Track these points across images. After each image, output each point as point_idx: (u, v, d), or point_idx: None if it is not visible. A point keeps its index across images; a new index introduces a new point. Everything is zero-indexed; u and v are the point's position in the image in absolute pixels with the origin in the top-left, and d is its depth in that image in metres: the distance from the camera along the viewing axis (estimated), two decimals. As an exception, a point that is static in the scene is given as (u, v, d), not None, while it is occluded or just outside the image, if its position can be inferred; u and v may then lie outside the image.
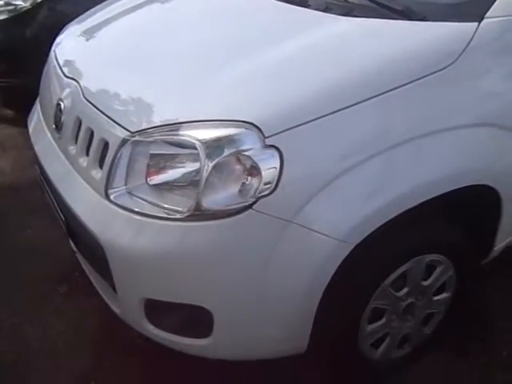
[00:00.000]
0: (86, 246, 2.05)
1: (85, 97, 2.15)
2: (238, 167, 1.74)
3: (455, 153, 1.93)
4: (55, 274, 2.85)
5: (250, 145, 1.73)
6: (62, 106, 2.25)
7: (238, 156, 1.74)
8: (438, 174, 1.90)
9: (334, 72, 1.87)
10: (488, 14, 1.92)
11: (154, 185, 1.83)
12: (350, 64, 1.89)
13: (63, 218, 2.17)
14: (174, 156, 1.83)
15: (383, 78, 1.84)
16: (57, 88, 2.40)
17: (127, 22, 2.65)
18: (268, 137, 1.72)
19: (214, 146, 1.74)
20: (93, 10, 2.92)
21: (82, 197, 2.02)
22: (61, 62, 2.47)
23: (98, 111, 2.05)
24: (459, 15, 1.96)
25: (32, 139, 2.52)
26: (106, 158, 1.92)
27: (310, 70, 1.91)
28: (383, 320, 2.11)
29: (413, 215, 1.89)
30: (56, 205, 2.23)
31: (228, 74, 1.95)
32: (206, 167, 1.73)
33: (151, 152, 1.83)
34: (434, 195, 1.90)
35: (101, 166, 1.96)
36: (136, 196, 1.85)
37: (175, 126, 1.83)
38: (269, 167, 1.72)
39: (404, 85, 1.83)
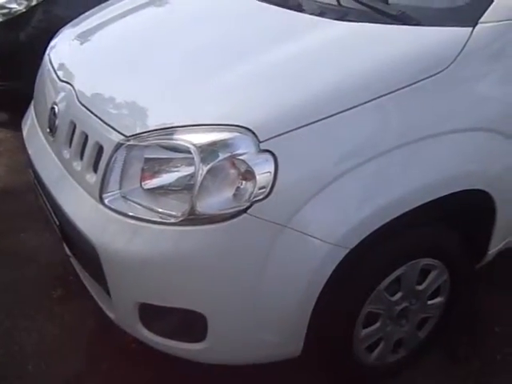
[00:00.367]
0: (81, 250, 2.04)
1: (79, 101, 2.15)
2: (233, 171, 1.74)
3: (450, 157, 1.94)
4: (49, 278, 2.84)
5: (245, 149, 1.73)
6: (57, 109, 2.24)
7: (233, 160, 1.73)
8: (432, 179, 1.91)
9: (329, 77, 1.87)
10: (482, 19, 1.92)
11: (149, 189, 1.82)
12: (345, 68, 1.89)
13: (57, 222, 2.16)
14: (168, 160, 1.83)
15: (378, 83, 1.84)
16: (51, 92, 2.40)
17: (122, 26, 2.65)
18: (263, 141, 1.72)
19: (209, 151, 1.74)
20: (87, 13, 2.92)
21: (77, 201, 2.01)
22: (55, 66, 2.47)
23: (92, 115, 2.05)
24: (454, 20, 1.97)
25: (26, 143, 2.51)
26: (101, 162, 1.91)
27: (304, 74, 1.91)
28: (378, 324, 2.11)
29: (407, 220, 1.89)
30: (50, 209, 2.22)
31: (223, 78, 1.95)
32: (200, 171, 1.72)
33: (146, 156, 1.83)
34: (428, 200, 1.90)
35: (95, 170, 1.95)
36: (130, 200, 1.85)
37: (170, 130, 1.83)
38: (263, 172, 1.72)
39: (399, 89, 1.84)
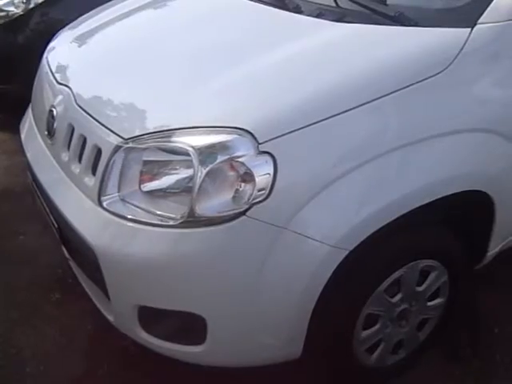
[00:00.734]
0: (79, 252, 2.04)
1: (77, 103, 2.14)
2: (232, 174, 1.74)
3: (448, 158, 1.94)
4: (48, 281, 2.83)
5: (244, 151, 1.72)
6: (55, 112, 2.24)
7: (232, 162, 1.73)
8: (431, 180, 1.91)
9: (328, 78, 1.87)
10: (480, 20, 1.92)
11: (148, 191, 1.82)
12: (343, 70, 1.89)
13: (56, 225, 2.16)
14: (167, 162, 1.82)
15: (377, 84, 1.84)
16: (49, 94, 2.39)
17: (120, 29, 2.65)
18: (262, 143, 1.72)
19: (208, 153, 1.74)
20: (85, 16, 2.91)
21: (75, 204, 2.01)
22: (53, 69, 2.47)
23: (90, 118, 2.04)
24: (452, 21, 1.97)
25: (24, 146, 2.51)
26: (99, 165, 1.91)
27: (303, 76, 1.91)
28: (377, 326, 2.10)
29: (406, 221, 1.89)
30: (49, 212, 2.22)
31: (221, 80, 1.95)
32: (199, 174, 1.72)
33: (144, 159, 1.83)
34: (427, 201, 1.90)
35: (94, 173, 1.95)
36: (129, 203, 1.84)
37: (168, 132, 1.82)
38: (262, 173, 1.72)
39: (397, 90, 1.84)
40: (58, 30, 2.90)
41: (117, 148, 1.86)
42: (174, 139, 1.80)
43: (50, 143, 2.26)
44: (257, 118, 1.78)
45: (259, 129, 1.74)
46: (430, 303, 2.22)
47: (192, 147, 1.74)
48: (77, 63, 2.45)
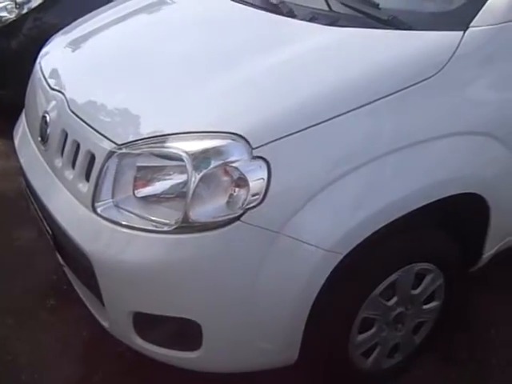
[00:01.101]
0: (74, 259, 2.03)
1: (70, 109, 2.14)
2: (226, 179, 1.73)
3: (443, 162, 1.94)
4: (43, 287, 2.83)
5: (238, 156, 1.72)
6: (48, 118, 2.23)
7: (226, 167, 1.73)
8: (426, 183, 1.91)
9: (321, 82, 1.87)
10: (473, 23, 1.93)
11: (142, 197, 1.82)
12: (337, 74, 1.89)
13: (50, 232, 2.15)
14: (161, 168, 1.82)
15: (370, 88, 1.84)
16: (42, 100, 2.39)
17: (113, 34, 2.64)
18: (255, 148, 1.72)
19: (201, 158, 1.73)
20: (78, 21, 2.90)
21: (69, 210, 2.00)
22: (46, 74, 2.46)
23: (83, 123, 2.04)
24: (445, 24, 1.97)
25: (18, 152, 2.50)
26: (93, 171, 1.91)
27: (296, 80, 1.91)
28: (373, 330, 2.10)
29: (401, 224, 1.89)
30: (42, 218, 2.21)
31: (215, 85, 1.94)
32: (193, 179, 1.72)
33: (138, 164, 1.83)
34: (422, 204, 1.90)
35: (87, 179, 1.94)
36: (123, 209, 1.84)
37: (162, 137, 1.82)
38: (256, 178, 1.71)
39: (391, 94, 1.84)
40: (51, 36, 2.89)
41: (110, 154, 1.86)
42: (167, 144, 1.80)
43: (44, 149, 2.25)
44: (250, 123, 1.78)
45: (253, 134, 1.74)
46: (425, 306, 2.22)
47: (186, 152, 1.74)
48: (70, 69, 2.45)
